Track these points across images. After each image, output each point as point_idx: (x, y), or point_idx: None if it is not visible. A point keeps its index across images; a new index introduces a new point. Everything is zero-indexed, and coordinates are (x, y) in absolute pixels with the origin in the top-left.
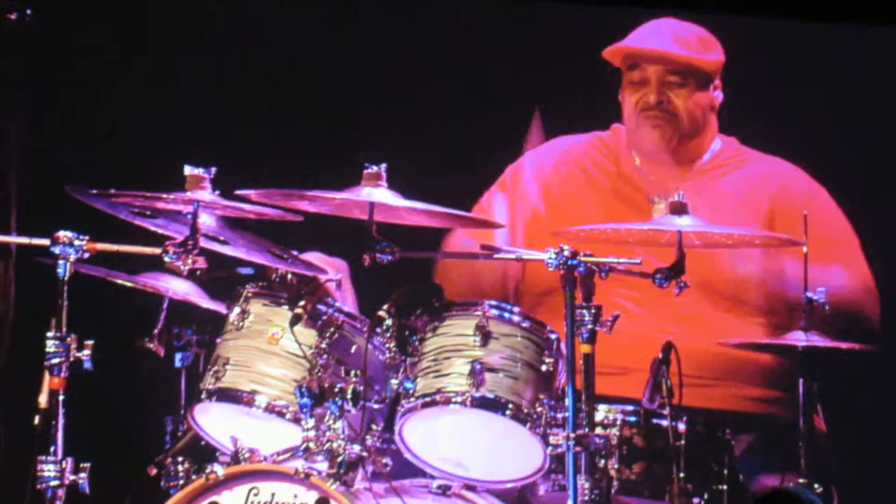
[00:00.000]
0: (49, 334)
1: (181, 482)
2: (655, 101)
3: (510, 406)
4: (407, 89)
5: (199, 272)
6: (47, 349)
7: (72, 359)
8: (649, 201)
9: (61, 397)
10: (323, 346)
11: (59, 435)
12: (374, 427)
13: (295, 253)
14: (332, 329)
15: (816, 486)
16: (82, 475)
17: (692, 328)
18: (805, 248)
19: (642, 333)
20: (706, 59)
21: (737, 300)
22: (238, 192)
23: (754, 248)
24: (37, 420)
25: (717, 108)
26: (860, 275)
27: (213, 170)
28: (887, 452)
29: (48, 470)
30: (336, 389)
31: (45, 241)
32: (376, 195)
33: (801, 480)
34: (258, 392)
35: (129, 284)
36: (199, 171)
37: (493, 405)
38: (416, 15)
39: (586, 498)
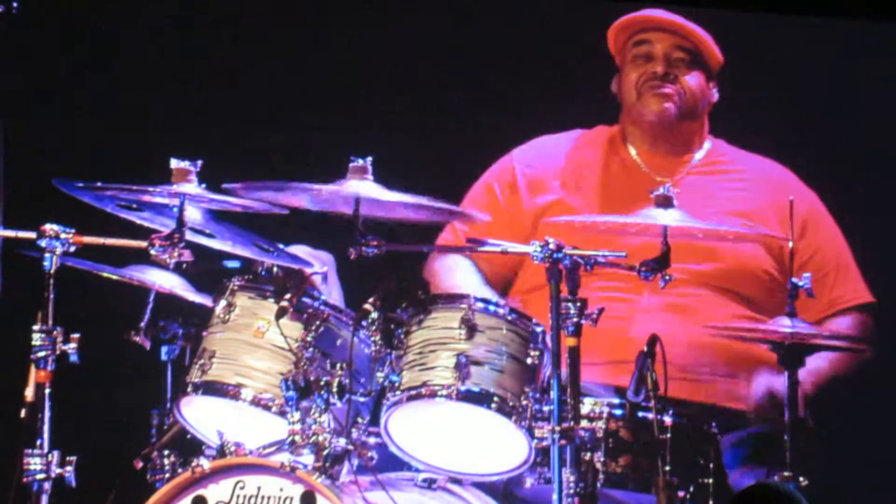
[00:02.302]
0: (35, 327)
1: (167, 475)
2: (663, 72)
3: (495, 399)
4: (398, 84)
5: (185, 265)
6: (33, 342)
7: (58, 352)
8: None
9: (47, 390)
10: (308, 339)
11: (45, 428)
12: (359, 420)
13: (281, 246)
14: (317, 322)
15: (802, 479)
16: (68, 468)
17: (687, 320)
18: (791, 243)
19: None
20: (713, 50)
21: (735, 293)
22: (225, 185)
23: (744, 241)
24: (23, 413)
25: (710, 107)
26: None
27: (200, 163)
28: (873, 445)
29: (34, 463)
30: (322, 383)
31: (32, 234)
32: (362, 188)
33: (785, 474)
34: (244, 385)
35: (115, 277)
36: (185, 164)
37: (478, 398)
38: (412, 8)
39: (572, 491)
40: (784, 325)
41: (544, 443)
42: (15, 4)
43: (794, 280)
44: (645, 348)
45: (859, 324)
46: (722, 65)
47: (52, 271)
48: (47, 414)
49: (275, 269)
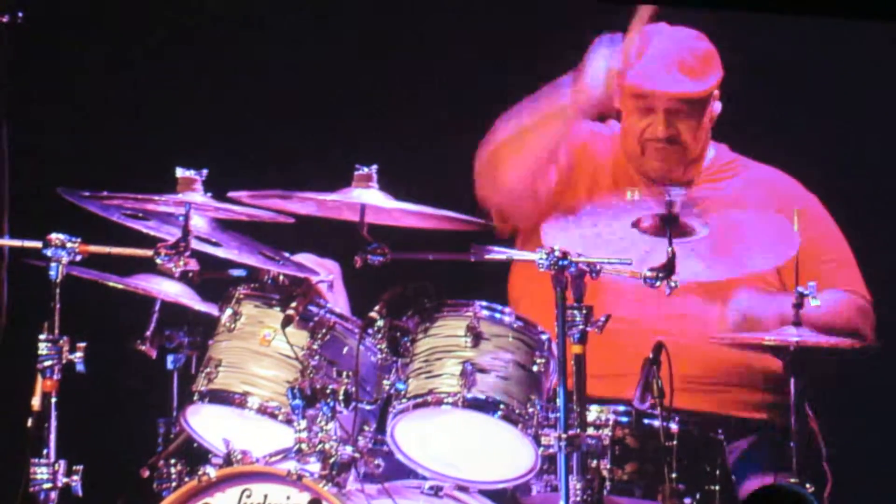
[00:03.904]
0: (41, 337)
1: (174, 484)
2: (665, 135)
3: (501, 407)
4: (400, 89)
5: (190, 274)
6: (40, 351)
7: (64, 361)
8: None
9: (54, 399)
10: (315, 347)
11: (52, 437)
12: (366, 428)
13: (286, 254)
14: (323, 330)
15: (808, 485)
16: (75, 478)
17: (692, 329)
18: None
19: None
20: (712, 86)
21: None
22: (231, 193)
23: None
24: (29, 422)
25: (714, 120)
26: (853, 291)
27: (205, 172)
28: (878, 451)
29: (41, 472)
30: (328, 391)
31: (37, 244)
32: (367, 196)
33: (792, 480)
34: (250, 393)
35: (120, 287)
36: (190, 173)
37: (484, 406)
38: (413, 13)
39: (578, 498)
40: (789, 333)
41: (551, 450)
42: (20, 14)
43: (800, 289)
44: (650, 355)
45: (853, 305)
46: (723, 76)
47: (58, 280)
48: (54, 423)
49: (281, 278)
